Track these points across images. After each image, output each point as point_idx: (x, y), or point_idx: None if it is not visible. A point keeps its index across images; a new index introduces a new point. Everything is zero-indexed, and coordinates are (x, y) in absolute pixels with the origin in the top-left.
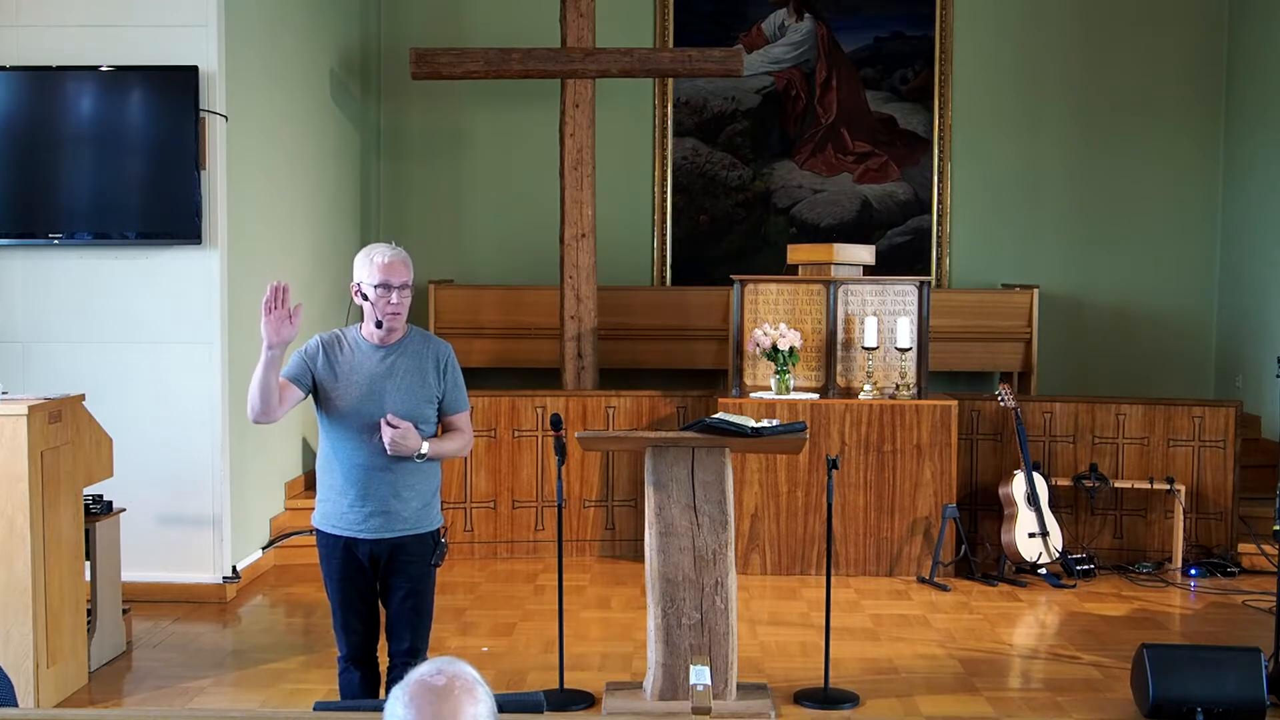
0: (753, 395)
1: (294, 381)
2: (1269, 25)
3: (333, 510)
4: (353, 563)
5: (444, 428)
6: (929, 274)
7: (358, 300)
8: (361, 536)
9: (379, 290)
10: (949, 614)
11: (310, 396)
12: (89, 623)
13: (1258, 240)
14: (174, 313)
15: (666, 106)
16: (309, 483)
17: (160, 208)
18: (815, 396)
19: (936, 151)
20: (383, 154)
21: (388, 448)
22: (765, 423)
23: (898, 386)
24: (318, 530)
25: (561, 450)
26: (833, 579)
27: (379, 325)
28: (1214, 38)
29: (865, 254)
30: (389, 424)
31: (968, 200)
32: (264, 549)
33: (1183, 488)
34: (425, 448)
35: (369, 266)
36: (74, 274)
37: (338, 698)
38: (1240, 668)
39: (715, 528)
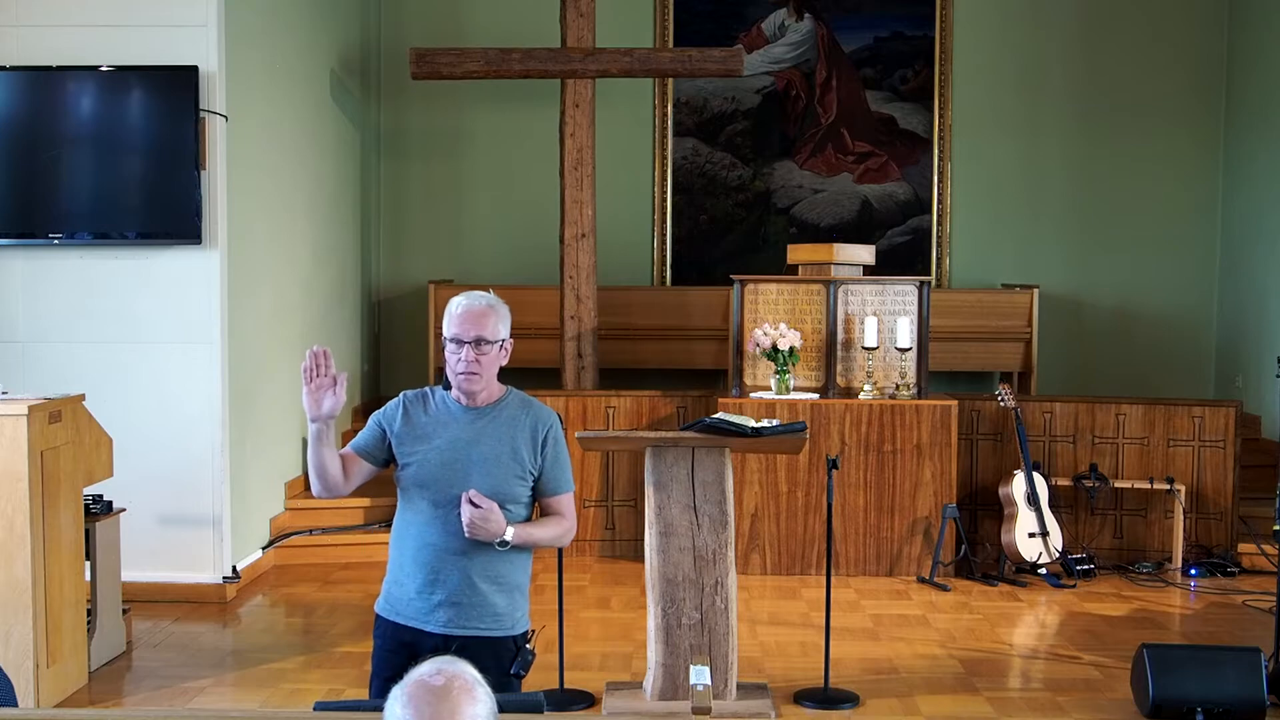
0: (753, 395)
1: (365, 454)
2: (1269, 25)
3: (399, 594)
4: (414, 662)
5: (541, 510)
6: (929, 274)
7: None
8: (428, 629)
9: (450, 345)
10: (949, 614)
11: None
12: (89, 623)
13: (1258, 240)
14: (174, 313)
15: (666, 106)
16: (309, 483)
17: (160, 208)
18: (815, 396)
19: (936, 151)
20: (383, 154)
21: (465, 530)
22: (765, 423)
23: (898, 386)
24: (377, 617)
25: None
26: (833, 579)
27: (447, 386)
28: (1214, 38)
29: (865, 254)
30: (470, 502)
31: (968, 200)
32: (264, 549)
33: (1183, 488)
34: (509, 534)
35: (446, 317)
36: (74, 274)
37: (338, 698)
38: (1240, 668)
39: (715, 528)
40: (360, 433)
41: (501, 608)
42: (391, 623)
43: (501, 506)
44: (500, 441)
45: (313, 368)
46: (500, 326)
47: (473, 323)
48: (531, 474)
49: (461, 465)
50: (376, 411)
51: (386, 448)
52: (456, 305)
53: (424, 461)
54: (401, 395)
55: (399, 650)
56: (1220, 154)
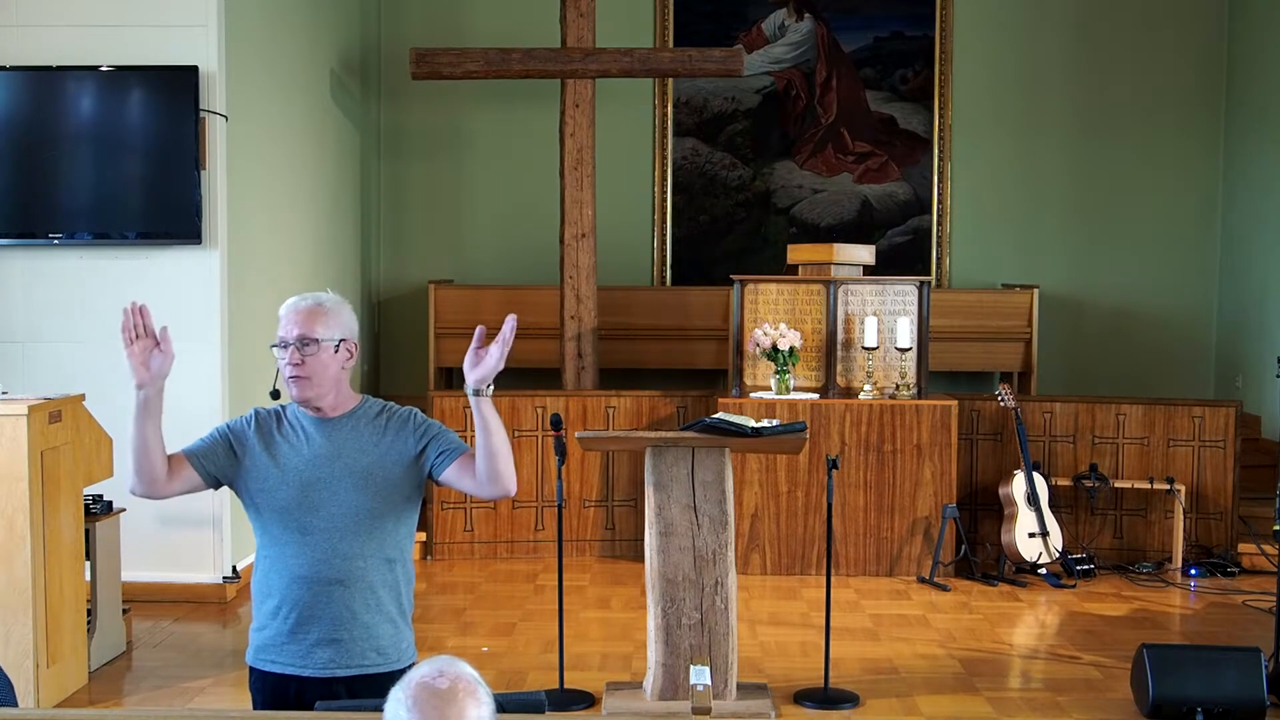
0: (753, 395)
1: (195, 460)
2: (1269, 25)
3: (270, 639)
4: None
5: (467, 466)
6: (929, 274)
7: None
8: (307, 675)
9: (277, 349)
10: (949, 614)
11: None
12: (89, 623)
13: (1258, 240)
14: (174, 313)
15: (666, 106)
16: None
17: (160, 208)
18: (815, 396)
19: (936, 151)
20: (383, 154)
21: (498, 356)
22: (765, 423)
23: (898, 386)
24: (250, 669)
25: (561, 450)
26: (833, 579)
27: (275, 395)
28: (1214, 38)
29: (865, 254)
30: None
31: (968, 200)
32: None
33: (1183, 488)
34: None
35: (278, 322)
36: (74, 274)
37: None
38: (1240, 668)
39: (715, 528)
40: (199, 440)
41: (386, 640)
42: (267, 673)
43: (378, 523)
44: (366, 451)
45: (132, 326)
46: (332, 325)
47: (296, 321)
48: (418, 463)
49: (327, 483)
50: (219, 425)
51: (226, 463)
52: (284, 305)
53: (281, 484)
54: (253, 410)
55: (281, 703)
56: (1220, 154)
